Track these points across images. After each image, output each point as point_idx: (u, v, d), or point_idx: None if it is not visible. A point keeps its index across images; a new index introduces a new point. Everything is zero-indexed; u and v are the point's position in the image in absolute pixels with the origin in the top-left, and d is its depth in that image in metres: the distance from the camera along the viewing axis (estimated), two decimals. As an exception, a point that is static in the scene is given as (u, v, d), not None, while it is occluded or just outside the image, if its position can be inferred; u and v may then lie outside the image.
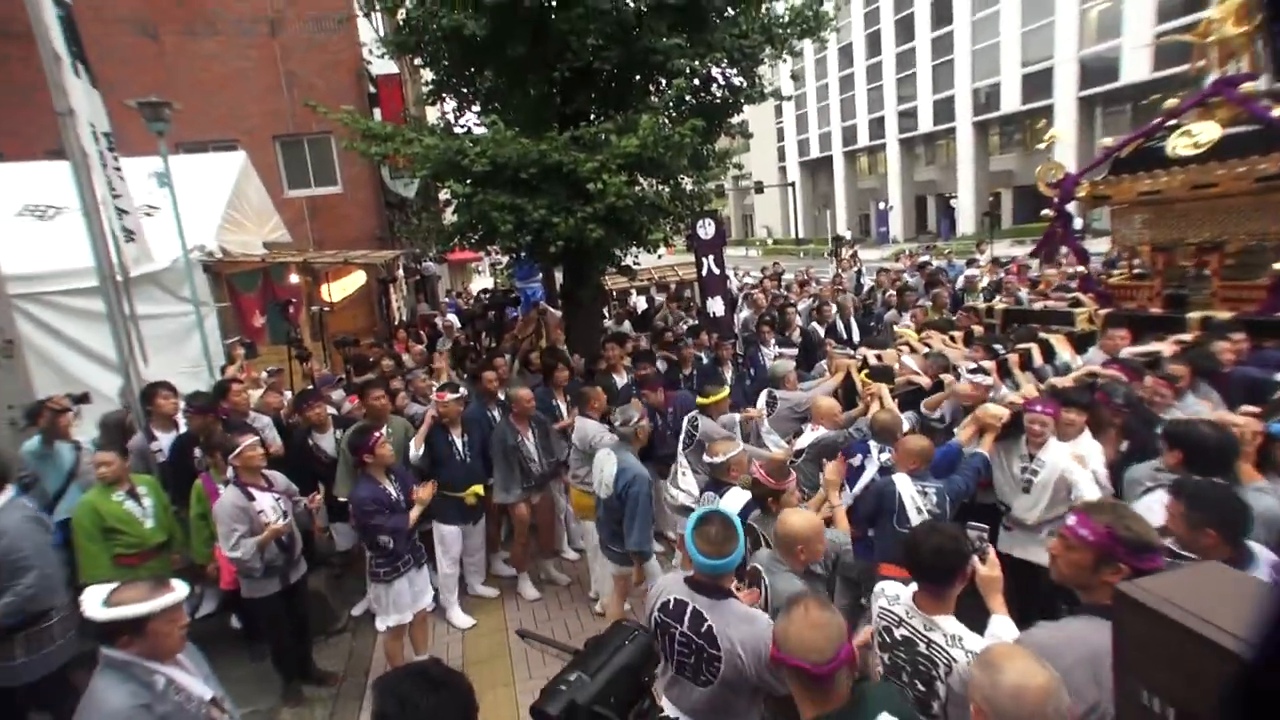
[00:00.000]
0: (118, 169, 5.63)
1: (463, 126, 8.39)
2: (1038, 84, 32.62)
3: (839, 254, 18.72)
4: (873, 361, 5.42)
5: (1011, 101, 34.24)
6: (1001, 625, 2.32)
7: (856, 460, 4.00)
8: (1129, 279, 5.92)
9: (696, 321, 9.53)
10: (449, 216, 8.47)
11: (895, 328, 7.12)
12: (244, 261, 7.84)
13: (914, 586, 2.37)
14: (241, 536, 3.85)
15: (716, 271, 9.26)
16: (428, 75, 8.76)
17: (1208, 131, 4.89)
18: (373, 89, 14.27)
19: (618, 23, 6.59)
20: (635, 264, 9.01)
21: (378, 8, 7.77)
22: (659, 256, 9.36)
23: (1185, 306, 5.20)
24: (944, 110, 38.30)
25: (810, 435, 4.54)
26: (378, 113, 13.62)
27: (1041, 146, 6.05)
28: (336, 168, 13.75)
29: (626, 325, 10.45)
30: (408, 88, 15.06)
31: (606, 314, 10.97)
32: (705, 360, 7.26)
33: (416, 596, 4.29)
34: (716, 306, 9.30)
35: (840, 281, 13.01)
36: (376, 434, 4.20)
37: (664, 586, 2.65)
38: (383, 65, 13.91)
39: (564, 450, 5.70)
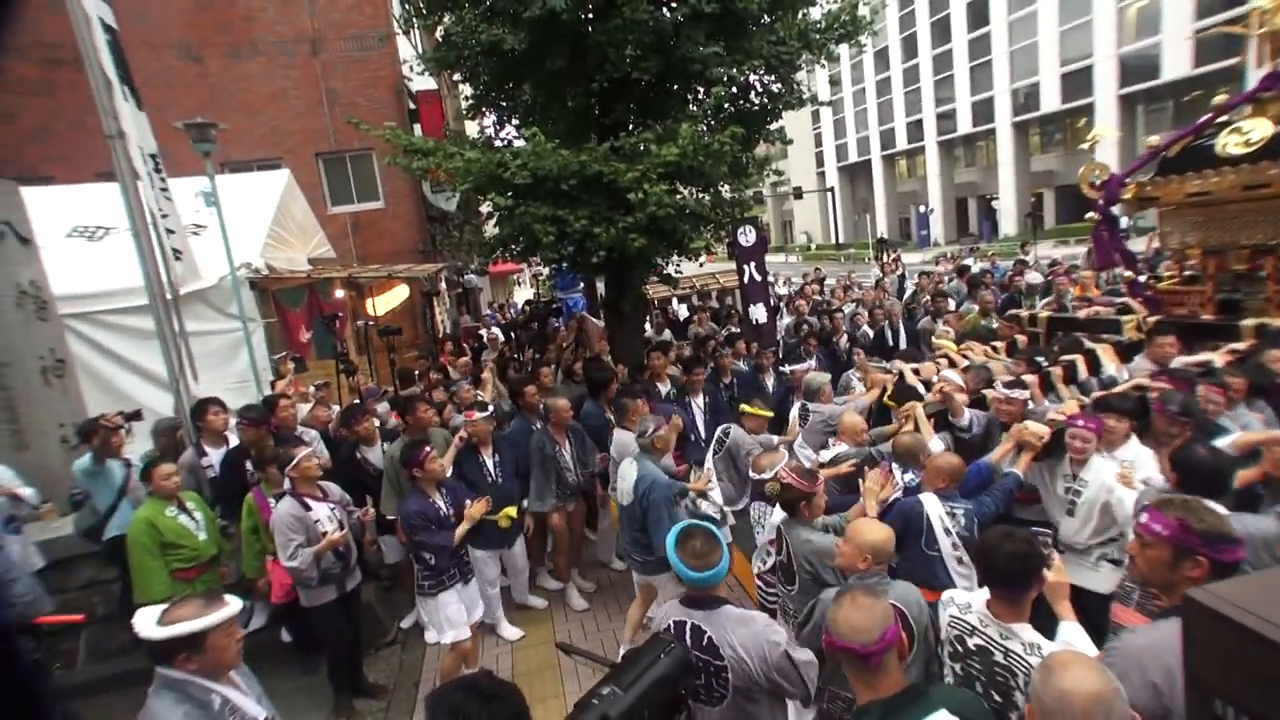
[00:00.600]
0: (165, 189, 5.79)
1: (503, 140, 8.48)
2: (1077, 83, 31.90)
3: (882, 257, 18.37)
4: (909, 377, 5.14)
5: (1051, 101, 33.51)
6: (1071, 631, 2.25)
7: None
8: (1179, 283, 5.65)
9: (736, 329, 9.44)
10: (490, 229, 8.54)
11: (934, 339, 6.84)
12: (290, 278, 8.01)
13: (985, 594, 2.35)
14: (299, 546, 3.90)
15: (758, 278, 9.16)
16: (467, 90, 8.89)
17: (1260, 129, 4.63)
18: (413, 105, 14.53)
19: (655, 33, 6.58)
20: (677, 272, 8.97)
21: (416, 25, 7.91)
22: (700, 265, 9.29)
23: (1239, 312, 4.96)
24: (983, 111, 37.62)
25: (831, 451, 4.40)
26: (418, 128, 13.88)
27: (1084, 147, 5.74)
28: (378, 183, 14.00)
29: (667, 333, 10.40)
30: (447, 103, 15.32)
31: (649, 323, 10.96)
32: (746, 369, 7.18)
33: (470, 609, 4.27)
34: (759, 313, 9.21)
35: (884, 286, 12.76)
36: (428, 448, 4.19)
37: (662, 615, 2.62)
38: (422, 81, 14.19)
39: (595, 461, 5.72)
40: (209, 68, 12.84)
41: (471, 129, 11.52)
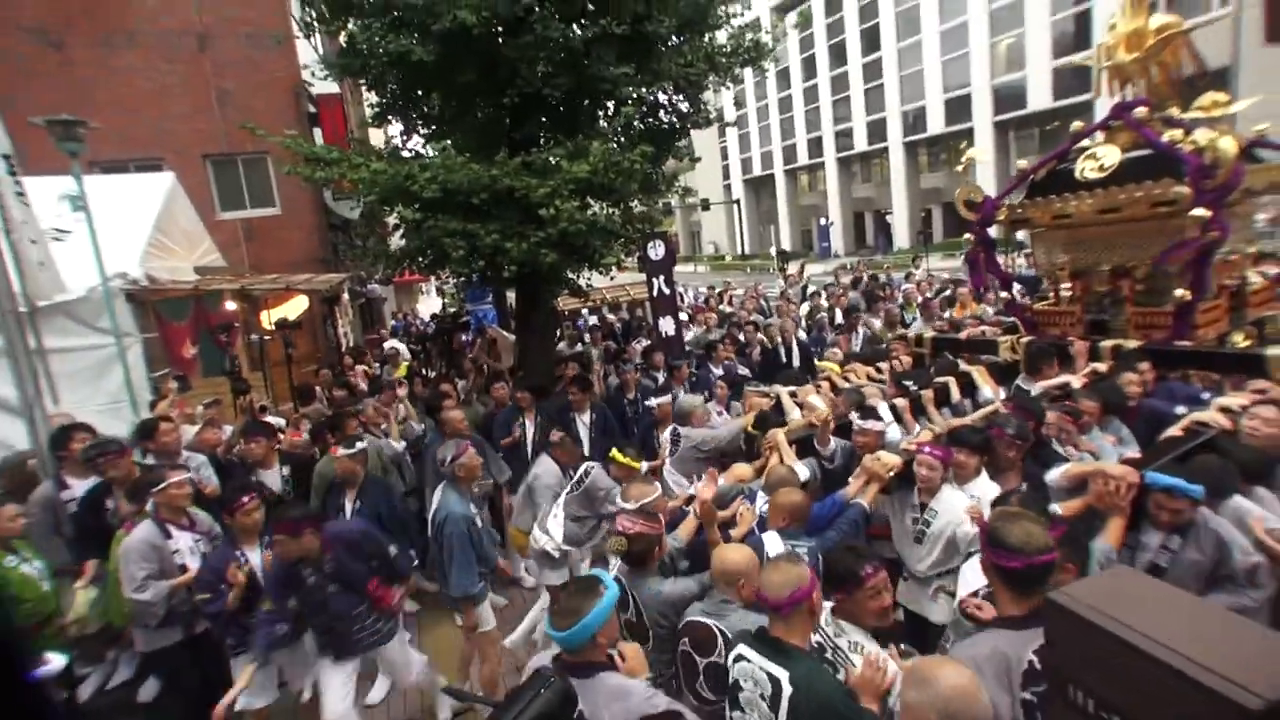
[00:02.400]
0: (20, 193, 5.29)
1: (410, 151, 8.29)
2: (958, 108, 34.25)
3: (785, 269, 19.06)
4: (785, 402, 4.98)
5: (936, 124, 35.76)
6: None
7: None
8: (1052, 304, 5.77)
9: (648, 340, 9.59)
10: (396, 240, 8.32)
11: (817, 362, 6.84)
12: (172, 289, 7.48)
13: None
14: (149, 577, 3.56)
15: (667, 292, 9.34)
16: (372, 98, 8.63)
17: (1110, 155, 4.92)
18: (313, 109, 13.87)
19: (567, 51, 6.64)
20: (588, 285, 9.03)
21: (318, 30, 7.62)
22: (610, 278, 9.38)
23: (1105, 333, 5.14)
24: (877, 131, 39.66)
25: (700, 483, 4.05)
26: (319, 134, 13.30)
27: (959, 169, 6.05)
28: (274, 189, 13.23)
29: (578, 347, 10.44)
30: (350, 109, 14.73)
31: (560, 335, 10.95)
32: (658, 383, 7.30)
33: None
34: (668, 326, 9.37)
35: (788, 298, 13.17)
36: (244, 499, 3.76)
37: (533, 669, 2.34)
38: (324, 85, 13.59)
39: (503, 470, 5.79)
40: (73, 56, 11.66)
41: (377, 137, 11.19)
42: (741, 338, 8.89)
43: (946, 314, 8.73)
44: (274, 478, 5.14)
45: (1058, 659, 1.57)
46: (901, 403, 4.52)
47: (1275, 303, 5.40)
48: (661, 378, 7.75)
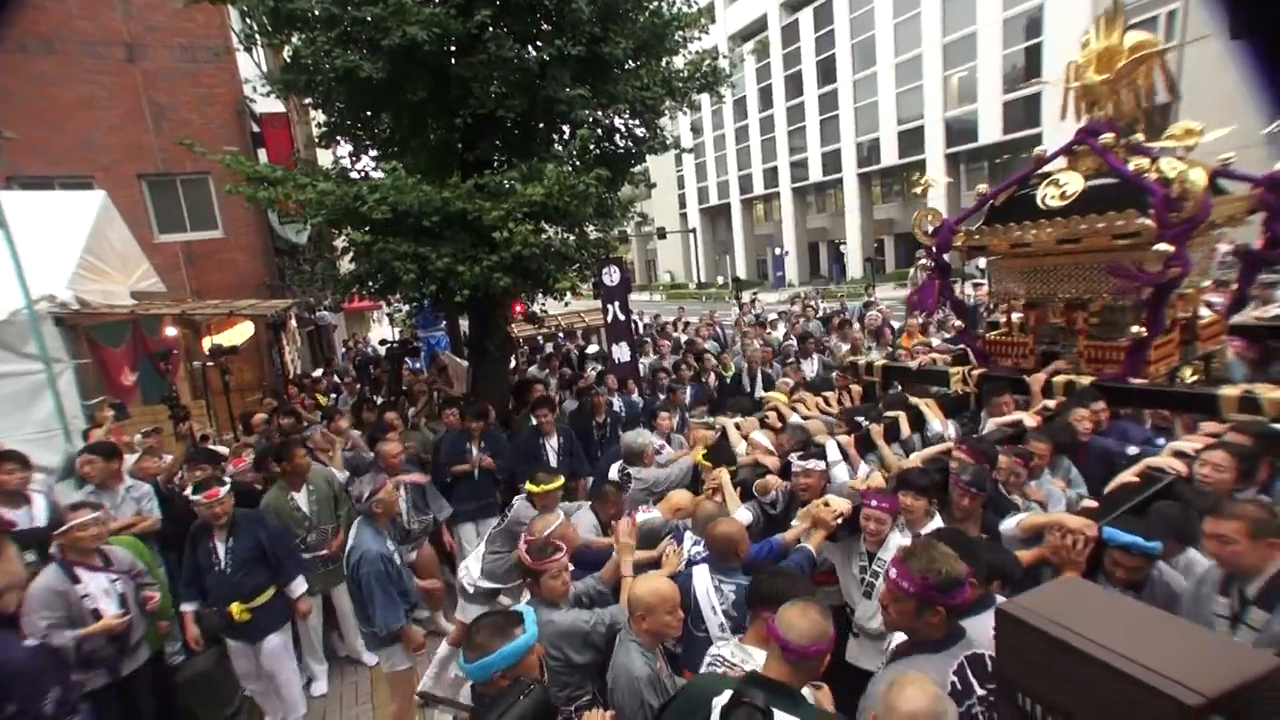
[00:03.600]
0: None
1: (359, 172, 8.06)
2: (912, 140, 35.24)
3: (740, 297, 19.20)
4: (731, 434, 4.84)
5: (890, 155, 36.77)
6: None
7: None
8: (1004, 335, 5.65)
9: (601, 366, 9.49)
10: (346, 265, 8.05)
11: (762, 393, 6.69)
12: (107, 314, 7.08)
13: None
14: (52, 626, 3.35)
15: (622, 318, 9.27)
16: (320, 117, 8.39)
17: (1073, 182, 4.75)
18: (257, 128, 13.49)
19: (521, 71, 6.55)
20: (543, 311, 8.88)
21: (260, 43, 7.39)
22: (565, 304, 9.26)
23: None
24: (831, 162, 40.64)
25: (641, 517, 3.95)
26: (263, 154, 12.92)
27: (917, 192, 6.02)
28: (217, 210, 12.74)
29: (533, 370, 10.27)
30: (297, 128, 14.38)
31: (515, 360, 10.75)
32: (619, 407, 7.20)
33: None
34: (622, 353, 9.30)
35: (741, 325, 13.23)
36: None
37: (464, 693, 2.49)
38: (268, 103, 13.24)
39: (444, 507, 5.74)
40: None
41: (325, 158, 10.91)
42: (696, 365, 8.87)
43: (895, 342, 8.83)
44: None
45: (1006, 667, 1.60)
46: (846, 439, 4.31)
47: (1221, 337, 5.38)
48: (618, 402, 7.68)
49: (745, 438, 4.73)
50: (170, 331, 8.30)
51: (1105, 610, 1.50)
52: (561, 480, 4.16)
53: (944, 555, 2.14)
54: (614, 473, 4.94)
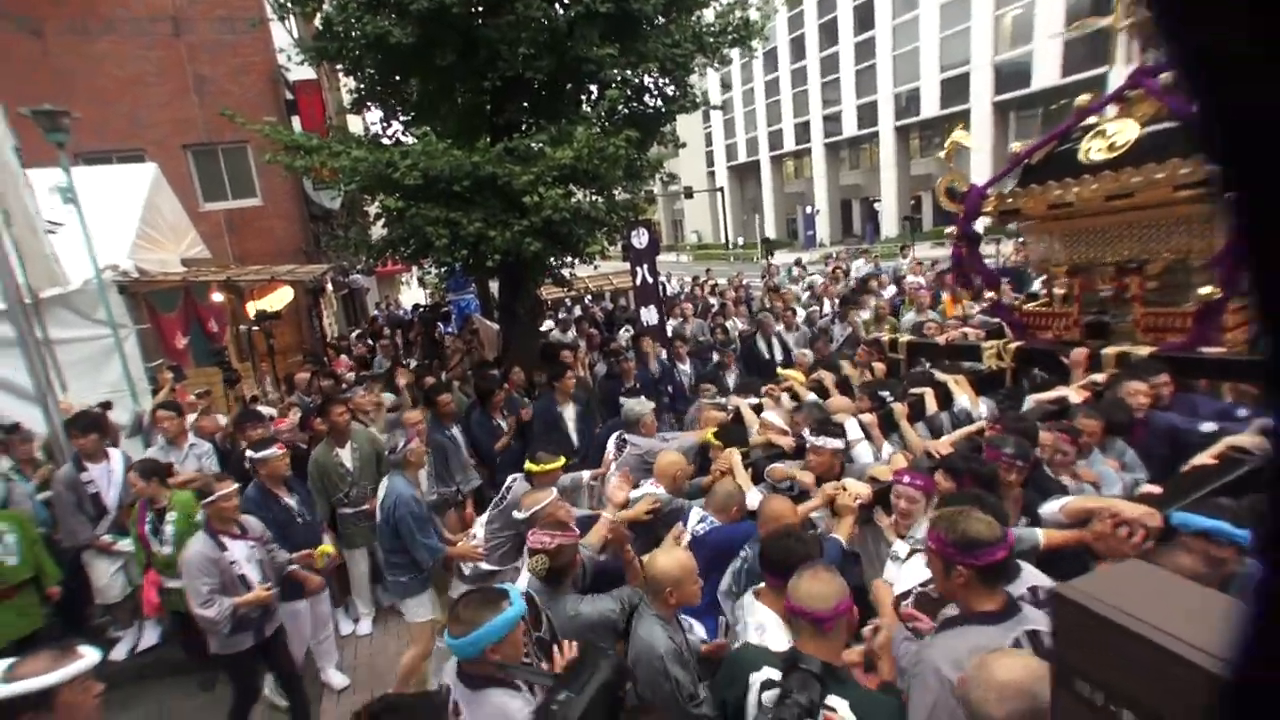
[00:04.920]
0: (29, 185, 5.39)
1: (390, 137, 8.16)
2: (955, 89, 33.34)
3: (769, 259, 18.84)
4: (747, 413, 4.58)
5: (930, 106, 35.01)
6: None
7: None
8: (1044, 305, 5.14)
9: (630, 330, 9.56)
10: (378, 230, 8.22)
11: (780, 370, 6.22)
12: (162, 280, 7.39)
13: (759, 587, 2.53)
14: (213, 591, 3.54)
15: (650, 280, 9.31)
16: (350, 83, 8.49)
17: (1125, 131, 4.17)
18: (290, 95, 13.67)
19: (549, 31, 6.54)
20: (572, 274, 8.97)
21: (294, 12, 7.47)
22: (594, 266, 9.33)
23: (1107, 336, 4.53)
24: (867, 115, 39.04)
25: (643, 489, 3.76)
26: (297, 121, 13.09)
27: (942, 155, 5.44)
28: (255, 179, 13.06)
29: (571, 334, 10.39)
30: (328, 95, 14.52)
31: (553, 321, 10.91)
32: (657, 371, 7.23)
33: None
34: (650, 315, 9.35)
35: (780, 294, 13.00)
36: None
37: (445, 673, 2.34)
38: (301, 71, 13.38)
39: (470, 479, 5.52)
40: (50, 44, 11.39)
41: (356, 124, 11.04)
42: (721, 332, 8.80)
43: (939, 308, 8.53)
44: None
45: (1064, 653, 1.53)
46: (869, 418, 4.04)
47: None
48: (656, 367, 7.62)
49: (758, 417, 4.52)
50: (217, 297, 8.61)
51: (1172, 594, 1.41)
52: (562, 461, 4.00)
53: (966, 517, 2.03)
54: (612, 442, 4.70)
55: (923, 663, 2.02)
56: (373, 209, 8.18)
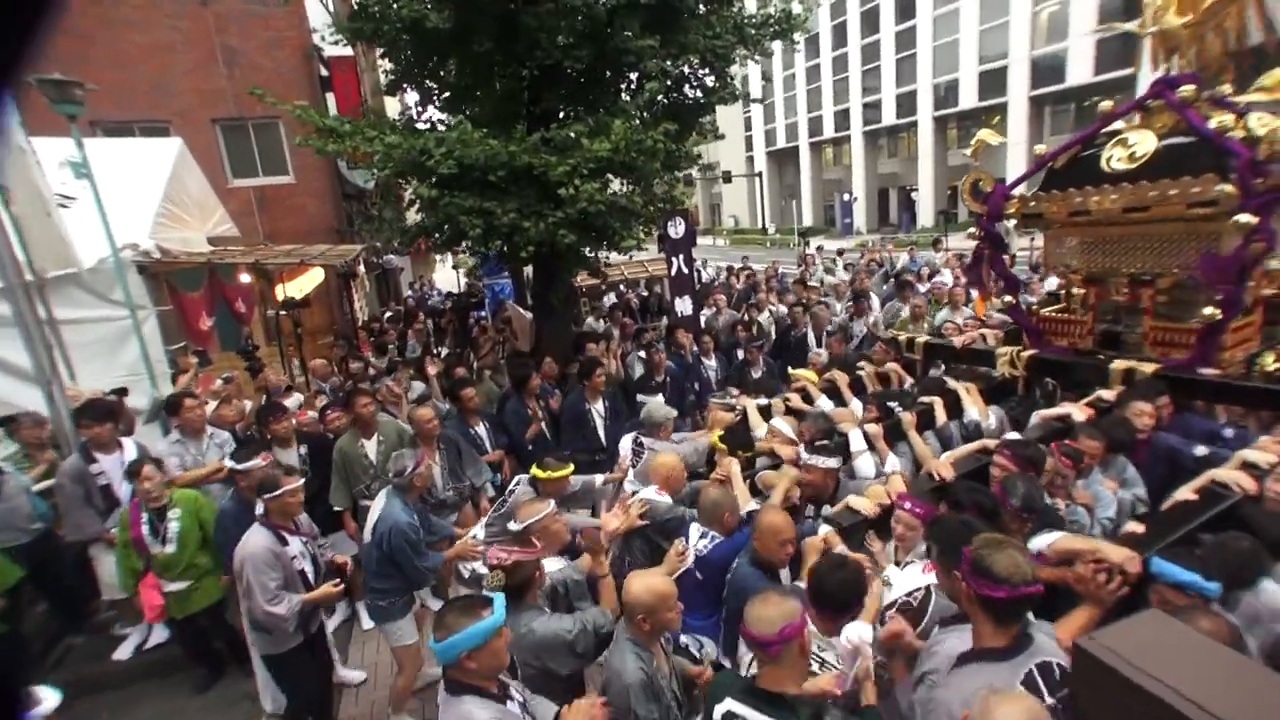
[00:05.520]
0: (38, 161, 5.22)
1: (426, 122, 8.01)
2: (992, 82, 33.00)
3: (806, 248, 18.42)
4: (753, 415, 4.47)
5: (969, 98, 34.60)
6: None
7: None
8: (1061, 310, 5.08)
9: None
10: (413, 215, 8.10)
11: (791, 370, 6.00)
12: (185, 262, 7.33)
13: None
14: (280, 587, 3.47)
15: (686, 271, 9.10)
16: (387, 64, 8.34)
17: (1145, 142, 4.11)
18: (326, 72, 13.51)
19: (589, 20, 6.33)
20: (606, 264, 8.79)
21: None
22: (629, 256, 9.15)
23: (1118, 348, 4.54)
24: (906, 104, 38.52)
25: (643, 494, 3.62)
26: (332, 99, 13.00)
27: (967, 153, 5.18)
28: (287, 155, 12.91)
29: (600, 324, 10.24)
30: (365, 74, 14.37)
31: (588, 309, 10.76)
32: (675, 365, 7.04)
33: None
34: (685, 306, 9.17)
35: (805, 279, 12.74)
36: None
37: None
38: (338, 47, 13.24)
39: (482, 474, 5.34)
40: (72, 7, 10.74)
41: (392, 106, 10.90)
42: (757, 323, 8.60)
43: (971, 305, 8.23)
44: (291, 457, 5.15)
45: (1086, 710, 1.53)
46: (875, 429, 3.94)
47: None
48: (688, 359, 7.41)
49: (766, 422, 4.39)
50: (244, 278, 8.57)
51: (1196, 656, 1.40)
52: (570, 469, 3.87)
53: (996, 545, 2.03)
54: (626, 444, 4.55)
55: (935, 703, 2.04)
56: (407, 194, 8.02)
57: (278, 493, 3.55)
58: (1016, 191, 4.85)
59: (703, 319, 9.53)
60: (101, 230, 5.98)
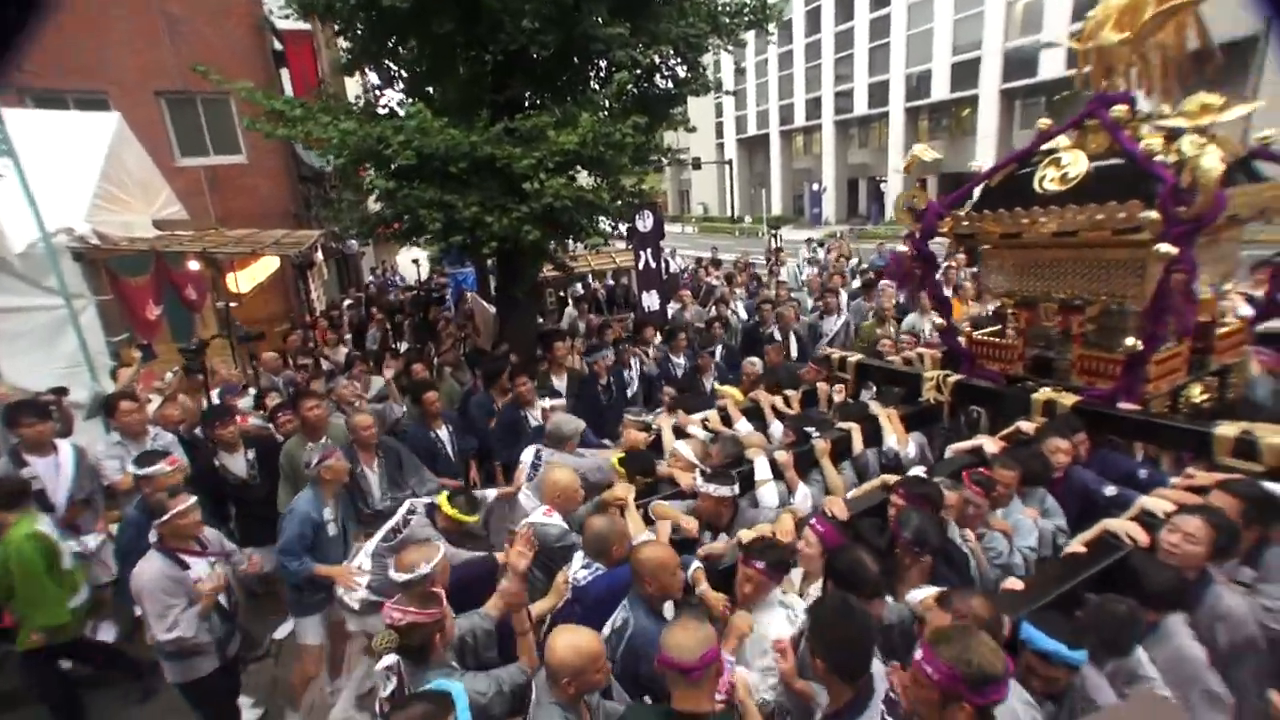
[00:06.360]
0: None
1: (385, 107, 7.64)
2: (965, 73, 33.04)
3: (775, 240, 18.18)
4: (667, 436, 4.33)
5: (941, 89, 34.67)
6: None
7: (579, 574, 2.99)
8: (993, 335, 4.95)
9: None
10: (373, 203, 7.75)
11: (717, 386, 5.85)
12: (127, 249, 6.89)
13: None
14: (182, 611, 3.29)
15: (653, 265, 8.94)
16: (344, 43, 7.93)
17: (1077, 164, 3.99)
18: (279, 45, 12.86)
19: (555, 4, 6.05)
20: (572, 259, 8.57)
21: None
22: (595, 251, 8.94)
23: (1052, 374, 4.48)
24: (879, 93, 38.48)
25: (533, 518, 3.42)
26: (287, 76, 12.41)
27: (901, 168, 4.97)
28: (239, 133, 12.23)
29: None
30: (323, 51, 13.71)
31: (553, 300, 10.52)
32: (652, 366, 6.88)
33: None
34: (652, 301, 9.02)
35: (778, 277, 12.58)
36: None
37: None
38: (289, 20, 12.59)
39: (425, 483, 5.00)
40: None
41: (354, 87, 10.42)
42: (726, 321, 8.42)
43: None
44: (239, 461, 4.91)
45: None
46: (785, 456, 3.80)
47: (1243, 349, 4.49)
48: (652, 353, 7.20)
49: (674, 446, 4.13)
50: (193, 266, 8.13)
51: None
52: (476, 518, 3.62)
53: (981, 647, 1.83)
54: (528, 456, 4.27)
55: None
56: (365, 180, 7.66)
57: (165, 517, 3.34)
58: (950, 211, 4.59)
59: (670, 312, 9.37)
60: (23, 209, 5.49)
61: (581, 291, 12.34)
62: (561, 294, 12.33)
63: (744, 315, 9.13)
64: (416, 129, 5.74)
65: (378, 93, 7.92)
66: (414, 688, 2.27)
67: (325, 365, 7.62)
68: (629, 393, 6.61)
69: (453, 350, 7.77)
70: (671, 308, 9.59)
